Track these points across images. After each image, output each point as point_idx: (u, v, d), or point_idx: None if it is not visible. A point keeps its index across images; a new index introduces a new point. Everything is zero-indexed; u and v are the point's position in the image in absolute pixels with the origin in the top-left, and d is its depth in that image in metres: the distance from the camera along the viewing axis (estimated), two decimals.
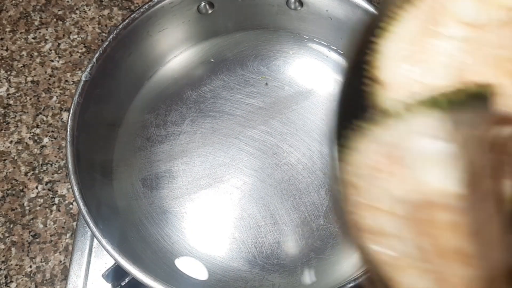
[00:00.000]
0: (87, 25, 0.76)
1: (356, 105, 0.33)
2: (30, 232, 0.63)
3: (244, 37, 0.62)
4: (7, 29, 0.76)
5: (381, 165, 0.29)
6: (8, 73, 0.73)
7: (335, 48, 0.60)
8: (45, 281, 0.60)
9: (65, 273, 0.60)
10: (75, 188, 0.46)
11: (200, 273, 0.50)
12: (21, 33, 0.76)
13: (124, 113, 0.57)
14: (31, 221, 0.63)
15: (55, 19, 0.76)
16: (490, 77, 0.31)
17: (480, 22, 0.33)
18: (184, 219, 0.53)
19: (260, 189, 0.54)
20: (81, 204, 0.46)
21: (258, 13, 0.59)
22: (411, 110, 0.28)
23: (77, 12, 0.77)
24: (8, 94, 0.71)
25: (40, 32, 0.76)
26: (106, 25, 0.76)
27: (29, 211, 0.64)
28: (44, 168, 0.66)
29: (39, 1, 0.78)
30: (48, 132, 0.68)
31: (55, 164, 0.66)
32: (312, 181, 0.54)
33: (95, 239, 0.51)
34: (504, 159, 0.28)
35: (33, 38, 0.75)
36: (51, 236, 0.62)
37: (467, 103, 0.27)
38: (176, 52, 0.61)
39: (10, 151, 0.67)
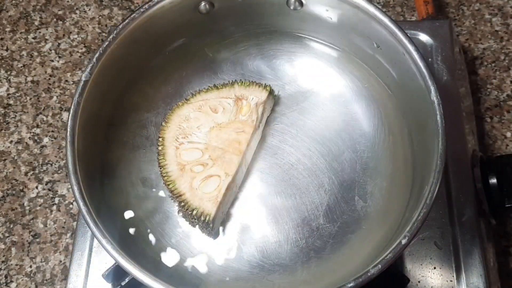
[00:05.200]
0: (87, 25, 0.76)
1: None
2: (30, 232, 0.63)
3: (244, 37, 0.61)
4: (7, 29, 0.76)
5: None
6: (8, 73, 0.73)
7: (335, 48, 0.60)
8: (45, 281, 0.60)
9: (65, 273, 0.60)
10: (75, 188, 0.46)
11: (200, 273, 0.50)
12: (21, 33, 0.76)
13: (124, 113, 0.57)
14: (31, 221, 0.63)
15: (55, 19, 0.76)
16: (219, 169, 0.51)
17: (212, 126, 0.53)
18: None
19: (260, 189, 0.54)
20: (81, 204, 0.46)
21: (258, 13, 0.59)
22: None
23: (77, 12, 0.77)
24: (8, 94, 0.71)
25: (40, 32, 0.76)
26: (106, 25, 0.76)
27: (29, 211, 0.64)
28: (44, 168, 0.66)
29: (39, 1, 0.78)
30: (48, 132, 0.68)
31: (55, 164, 0.66)
32: (312, 181, 0.54)
33: (95, 239, 0.51)
34: None
35: (33, 38, 0.75)
36: (51, 236, 0.62)
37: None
38: (176, 52, 0.60)
39: (10, 151, 0.67)
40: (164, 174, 0.52)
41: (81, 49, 0.74)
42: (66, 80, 0.72)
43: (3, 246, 0.62)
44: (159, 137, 0.54)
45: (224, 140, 0.53)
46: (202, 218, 0.49)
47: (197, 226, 0.52)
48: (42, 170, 0.66)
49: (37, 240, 0.62)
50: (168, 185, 0.51)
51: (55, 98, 0.71)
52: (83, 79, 0.50)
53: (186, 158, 0.52)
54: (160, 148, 0.53)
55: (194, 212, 0.49)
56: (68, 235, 0.62)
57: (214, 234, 0.52)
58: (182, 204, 0.50)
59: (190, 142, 0.53)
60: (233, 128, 0.54)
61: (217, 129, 0.54)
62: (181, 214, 0.52)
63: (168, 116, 0.55)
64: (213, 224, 0.49)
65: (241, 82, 0.56)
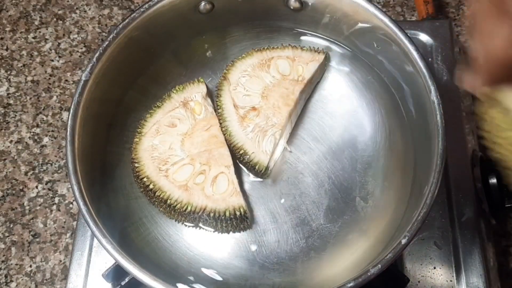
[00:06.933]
0: (87, 25, 0.76)
1: None
2: (30, 231, 0.63)
3: (244, 36, 0.61)
4: (7, 29, 0.76)
5: None
6: (8, 72, 0.73)
7: (335, 47, 0.60)
8: (45, 281, 0.60)
9: (65, 272, 0.60)
10: (75, 188, 0.46)
11: (200, 272, 0.50)
12: (21, 32, 0.76)
13: (124, 113, 0.57)
14: (31, 220, 0.63)
15: (55, 19, 0.76)
16: (217, 166, 0.52)
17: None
18: None
19: (260, 188, 0.54)
20: (81, 204, 0.46)
21: (258, 12, 0.59)
22: None
23: (77, 11, 0.77)
24: (8, 94, 0.71)
25: (40, 32, 0.76)
26: (106, 25, 0.76)
27: (29, 210, 0.64)
28: (44, 167, 0.66)
29: (39, 0, 0.78)
30: (48, 131, 0.68)
31: (55, 164, 0.66)
32: (312, 180, 0.54)
33: (95, 239, 0.51)
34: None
35: (33, 38, 0.75)
36: (51, 235, 0.62)
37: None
38: (176, 51, 0.61)
39: (10, 151, 0.67)
40: (175, 204, 0.50)
41: (81, 48, 0.74)
42: (66, 80, 0.72)
43: (3, 246, 0.62)
44: (142, 178, 0.52)
45: (200, 142, 0.53)
46: (238, 213, 0.49)
47: (229, 228, 0.51)
48: (42, 170, 0.66)
49: (37, 239, 0.62)
50: (186, 209, 0.50)
51: (55, 97, 0.71)
52: (83, 78, 0.50)
53: (181, 178, 0.52)
54: (151, 187, 0.51)
55: (227, 213, 0.49)
56: (68, 235, 0.62)
57: (250, 222, 0.52)
58: (212, 214, 0.50)
59: (173, 164, 0.52)
60: (200, 129, 0.54)
61: (188, 138, 0.53)
62: (211, 228, 0.52)
63: (135, 156, 0.53)
64: (248, 213, 0.51)
65: (176, 89, 0.57)
